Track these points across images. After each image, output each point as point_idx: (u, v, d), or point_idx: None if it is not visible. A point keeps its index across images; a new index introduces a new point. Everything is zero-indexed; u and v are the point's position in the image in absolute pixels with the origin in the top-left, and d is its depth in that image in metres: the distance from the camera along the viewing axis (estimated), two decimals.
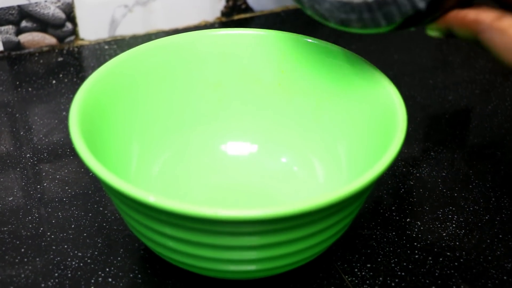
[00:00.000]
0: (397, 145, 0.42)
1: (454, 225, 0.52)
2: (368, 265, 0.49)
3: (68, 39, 0.72)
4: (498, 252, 0.50)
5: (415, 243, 0.51)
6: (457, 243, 0.51)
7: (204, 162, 0.54)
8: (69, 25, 0.71)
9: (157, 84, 0.52)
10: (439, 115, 0.64)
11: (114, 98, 0.49)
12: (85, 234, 0.51)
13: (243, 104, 0.54)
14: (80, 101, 0.46)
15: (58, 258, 0.49)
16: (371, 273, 0.49)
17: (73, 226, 0.52)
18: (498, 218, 0.53)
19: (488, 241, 0.51)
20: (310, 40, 0.52)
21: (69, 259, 0.49)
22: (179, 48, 0.52)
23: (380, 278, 0.48)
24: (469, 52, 0.72)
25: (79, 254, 0.49)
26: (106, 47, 0.72)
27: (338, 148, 0.51)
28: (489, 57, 0.72)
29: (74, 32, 0.72)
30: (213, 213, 0.38)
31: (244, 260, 0.43)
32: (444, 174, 0.57)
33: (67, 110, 0.63)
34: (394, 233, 0.52)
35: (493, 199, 0.55)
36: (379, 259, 0.50)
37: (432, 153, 0.59)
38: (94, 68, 0.69)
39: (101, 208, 0.53)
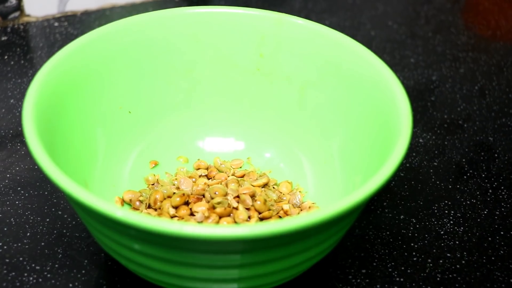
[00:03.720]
0: (401, 150, 0.37)
1: (451, 222, 0.48)
2: (363, 271, 0.44)
3: (12, 16, 0.65)
4: (501, 251, 0.46)
5: (412, 244, 0.46)
6: (457, 242, 0.47)
7: (178, 159, 0.48)
8: (13, 0, 0.64)
9: (121, 71, 0.46)
10: (424, 97, 0.59)
11: (73, 87, 0.43)
12: (43, 244, 0.45)
13: (217, 93, 0.48)
14: (35, 93, 0.39)
15: (13, 273, 0.43)
16: (367, 280, 0.44)
17: (28, 234, 0.45)
18: (497, 212, 0.49)
19: (490, 239, 0.47)
20: (294, 20, 0.46)
21: (25, 274, 0.43)
22: (145, 30, 0.46)
23: (378, 286, 0.43)
24: (449, 27, 0.68)
25: (37, 267, 0.43)
26: (56, 24, 0.65)
27: (331, 143, 0.46)
28: (471, 33, 0.68)
29: (19, 7, 0.65)
30: (178, 229, 0.32)
31: (223, 279, 0.37)
32: (435, 163, 0.52)
33: (15, 97, 0.56)
34: (388, 232, 0.47)
35: (490, 191, 0.50)
36: (374, 264, 0.45)
37: (420, 140, 0.54)
38: (43, 49, 0.62)
39: (59, 212, 0.47)
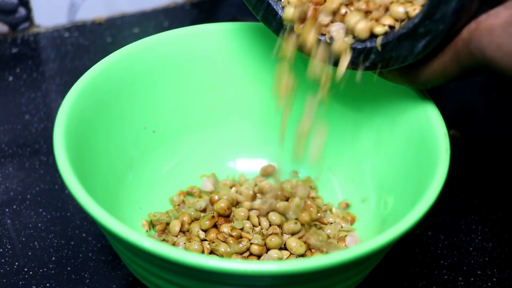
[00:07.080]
0: (442, 174, 0.37)
1: (480, 238, 0.48)
2: None
3: (21, 26, 0.64)
4: None
5: (442, 261, 0.46)
6: (487, 259, 0.46)
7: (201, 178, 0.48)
8: (22, 11, 0.63)
9: (145, 90, 0.45)
10: (441, 108, 0.58)
11: (99, 110, 0.42)
12: (69, 268, 0.44)
13: (244, 111, 0.48)
14: (64, 120, 0.39)
15: None
16: None
17: (53, 258, 0.44)
18: None
19: None
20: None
21: None
22: (169, 47, 0.45)
23: None
24: None
25: None
26: (66, 34, 0.64)
27: (362, 160, 0.45)
28: None
29: (28, 18, 0.63)
30: (203, 263, 0.32)
31: None
32: (459, 177, 0.52)
33: (30, 112, 0.55)
34: (417, 250, 0.47)
35: None
36: (405, 283, 0.44)
37: None
38: (55, 61, 0.61)
39: (83, 234, 0.46)
